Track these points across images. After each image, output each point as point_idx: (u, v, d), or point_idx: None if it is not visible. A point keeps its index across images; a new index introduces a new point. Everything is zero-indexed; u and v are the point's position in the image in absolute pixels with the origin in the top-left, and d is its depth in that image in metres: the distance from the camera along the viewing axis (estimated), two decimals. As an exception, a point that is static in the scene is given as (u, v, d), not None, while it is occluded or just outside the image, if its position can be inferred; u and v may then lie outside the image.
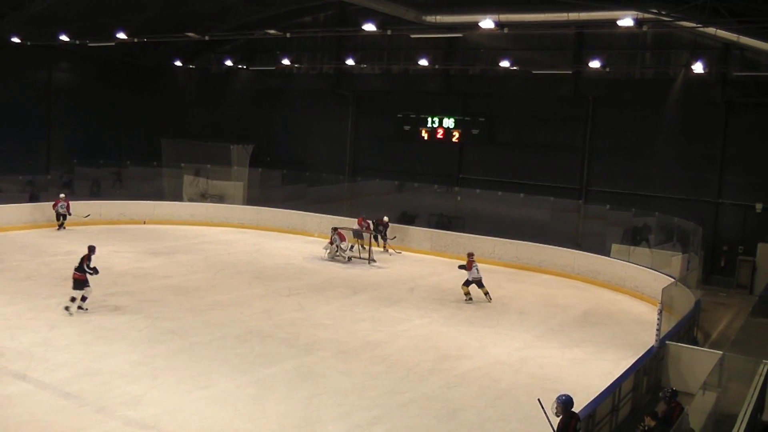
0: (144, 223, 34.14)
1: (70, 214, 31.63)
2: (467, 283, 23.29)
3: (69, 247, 27.38)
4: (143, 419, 13.05)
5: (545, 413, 11.02)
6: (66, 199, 31.72)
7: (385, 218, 31.33)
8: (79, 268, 19.53)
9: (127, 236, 30.87)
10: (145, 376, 15.12)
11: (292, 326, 19.51)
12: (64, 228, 31.54)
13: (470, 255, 23.78)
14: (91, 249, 20.06)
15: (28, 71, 37.47)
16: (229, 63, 41.83)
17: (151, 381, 14.90)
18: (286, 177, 38.47)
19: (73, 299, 19.23)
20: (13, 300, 20.06)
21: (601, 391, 13.96)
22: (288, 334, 18.81)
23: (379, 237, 31.13)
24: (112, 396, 13.99)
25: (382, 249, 31.00)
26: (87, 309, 19.39)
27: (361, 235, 30.19)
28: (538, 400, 11.42)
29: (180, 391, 14.49)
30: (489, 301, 23.10)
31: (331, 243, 28.87)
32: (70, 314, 18.99)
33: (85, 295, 19.37)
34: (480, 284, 23.21)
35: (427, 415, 14.12)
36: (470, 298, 23.11)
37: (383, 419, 13.81)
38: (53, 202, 31.75)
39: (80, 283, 19.35)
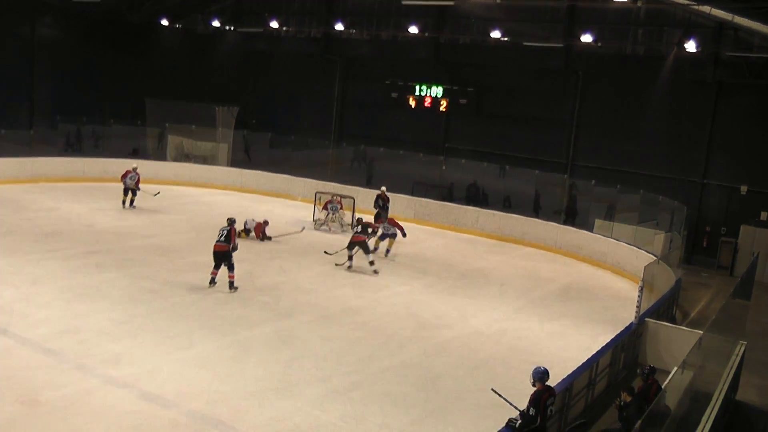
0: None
1: (139, 189, 28.30)
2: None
3: (51, 203, 27.27)
4: (123, 378, 13.06)
5: (504, 399, 11.07)
6: (137, 171, 28.47)
7: (383, 188, 28.98)
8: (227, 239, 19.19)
9: (110, 194, 30.65)
10: (126, 335, 15.12)
11: (273, 290, 19.53)
12: (134, 206, 28.38)
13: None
14: (231, 221, 19.80)
15: (12, 26, 36.85)
16: (216, 24, 41.49)
17: (131, 340, 14.90)
18: (271, 140, 38.28)
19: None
20: (-6, 256, 19.97)
21: (578, 365, 14.05)
22: (269, 297, 18.83)
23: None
24: (92, 354, 13.99)
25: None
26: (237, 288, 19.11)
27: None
28: (492, 389, 11.46)
29: (160, 351, 14.50)
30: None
31: (325, 209, 28.63)
32: (213, 285, 19.04)
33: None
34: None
35: (405, 383, 14.19)
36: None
37: (361, 385, 13.87)
38: (122, 173, 28.36)
39: (222, 255, 19.03)
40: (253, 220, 25.55)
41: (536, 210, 31.18)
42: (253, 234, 25.24)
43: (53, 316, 15.87)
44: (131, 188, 28.20)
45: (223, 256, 18.96)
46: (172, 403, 12.29)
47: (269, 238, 25.15)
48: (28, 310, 16.01)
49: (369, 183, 33.83)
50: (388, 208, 28.47)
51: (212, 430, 11.48)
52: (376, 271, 21.80)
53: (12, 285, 17.68)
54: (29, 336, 14.57)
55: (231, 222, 19.69)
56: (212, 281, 18.97)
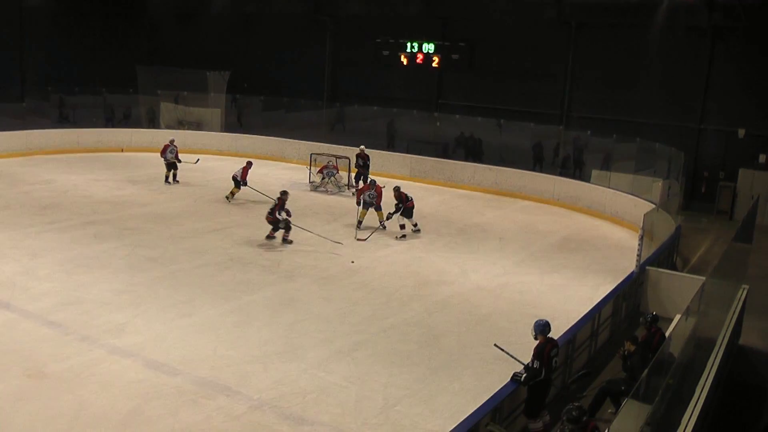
0: (122, 150, 33.82)
1: (180, 162, 27.70)
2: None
3: (48, 175, 27.18)
4: (127, 347, 13.10)
5: (508, 354, 11.13)
6: (175, 144, 27.93)
7: (362, 147, 28.66)
8: (271, 213, 20.41)
9: (106, 164, 30.62)
10: (128, 305, 15.13)
11: (272, 253, 19.53)
12: (178, 181, 27.76)
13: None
14: (284, 195, 20.61)
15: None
16: (204, -14, 41.07)
17: (133, 309, 14.92)
18: (264, 103, 38.09)
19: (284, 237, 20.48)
20: (-8, 231, 19.92)
21: (580, 316, 14.10)
22: (269, 261, 18.84)
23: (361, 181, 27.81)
24: (95, 324, 14.01)
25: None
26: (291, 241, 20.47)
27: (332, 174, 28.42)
28: (495, 344, 11.63)
29: (163, 319, 14.53)
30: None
31: (321, 173, 28.47)
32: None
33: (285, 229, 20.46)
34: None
35: (408, 341, 14.24)
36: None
37: (364, 345, 13.92)
38: (161, 149, 27.81)
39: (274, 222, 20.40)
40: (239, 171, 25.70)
41: (539, 163, 31.02)
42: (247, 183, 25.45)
43: (55, 288, 15.88)
44: (172, 162, 27.52)
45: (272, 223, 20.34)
46: (177, 371, 12.33)
47: (245, 183, 25.45)
48: (29, 284, 16.02)
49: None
50: (368, 166, 28.45)
51: (218, 395, 11.52)
52: (404, 236, 21.97)
53: (12, 259, 17.67)
54: (32, 309, 14.59)
55: (282, 193, 20.66)
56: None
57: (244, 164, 26.00)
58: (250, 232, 21.19)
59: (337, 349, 13.62)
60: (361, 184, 26.96)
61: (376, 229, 21.78)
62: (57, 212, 22.31)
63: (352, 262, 18.86)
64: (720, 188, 28.83)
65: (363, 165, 28.28)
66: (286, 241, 20.29)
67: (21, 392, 11.27)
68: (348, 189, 28.21)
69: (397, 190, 22.23)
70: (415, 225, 22.42)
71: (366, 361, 13.18)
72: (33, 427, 10.23)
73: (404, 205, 22.04)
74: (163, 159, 27.65)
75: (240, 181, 25.32)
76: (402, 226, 22.00)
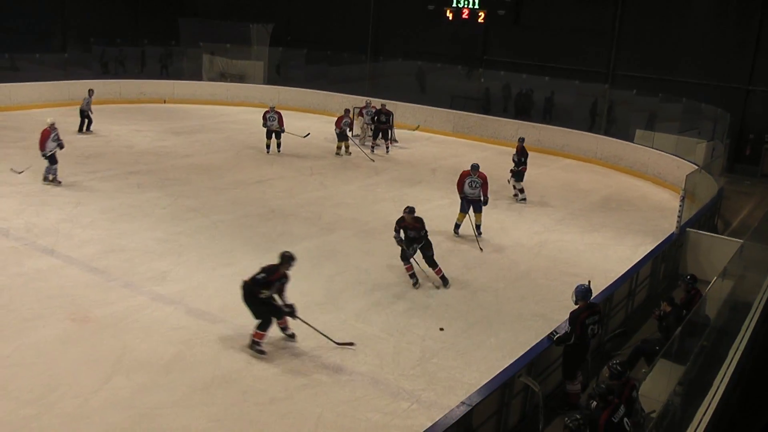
0: (164, 102, 34.03)
1: (284, 131, 25.37)
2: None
3: (92, 126, 27.40)
4: (169, 295, 13.33)
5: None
6: (276, 110, 25.68)
7: (383, 103, 28.22)
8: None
9: (148, 115, 30.84)
10: (170, 253, 15.37)
11: (314, 205, 19.65)
12: (280, 151, 25.47)
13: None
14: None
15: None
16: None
17: (175, 258, 15.15)
18: (307, 57, 38.02)
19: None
20: (37, 177, 20.17)
21: (618, 276, 14.08)
22: (310, 213, 18.97)
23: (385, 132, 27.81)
24: (138, 272, 14.26)
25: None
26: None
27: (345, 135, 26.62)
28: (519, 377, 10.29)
29: (204, 269, 14.75)
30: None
31: (361, 116, 28.25)
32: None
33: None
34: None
35: (447, 295, 14.34)
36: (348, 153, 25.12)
37: (403, 297, 14.04)
38: (263, 115, 25.66)
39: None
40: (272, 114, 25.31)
41: (593, 121, 30.82)
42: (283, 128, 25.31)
43: (98, 236, 16.14)
44: (274, 130, 25.30)
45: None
46: (218, 318, 12.53)
47: (282, 130, 25.19)
48: (73, 231, 16.30)
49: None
50: (391, 123, 28.10)
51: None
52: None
53: (56, 207, 17.96)
54: (76, 256, 14.86)
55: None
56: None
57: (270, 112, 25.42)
58: (291, 185, 21.33)
59: (376, 301, 13.75)
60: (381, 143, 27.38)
61: (477, 237, 18.00)
62: (100, 162, 22.59)
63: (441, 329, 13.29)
64: (765, 150, 28.40)
65: (386, 121, 27.78)
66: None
67: (66, 336, 11.53)
68: (393, 143, 28.03)
69: (521, 141, 21.97)
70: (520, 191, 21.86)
71: (404, 314, 13.31)
72: (78, 370, 10.47)
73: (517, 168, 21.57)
74: (264, 127, 25.39)
75: (279, 129, 25.16)
76: (521, 190, 21.82)
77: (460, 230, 18.13)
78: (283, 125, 25.31)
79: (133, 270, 14.36)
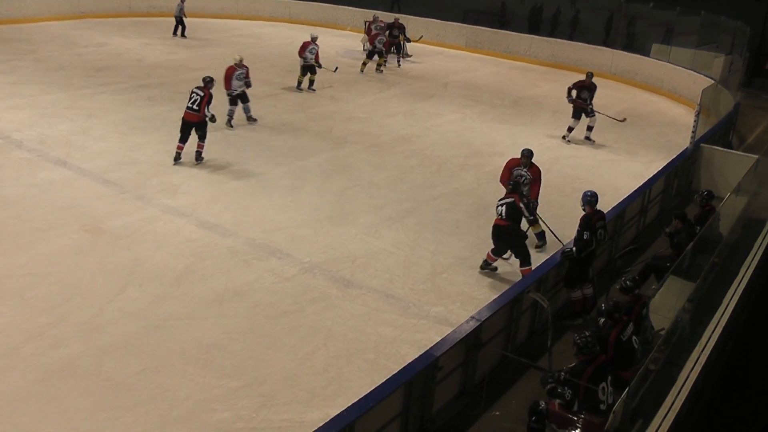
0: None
1: (320, 66, 22.29)
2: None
3: (100, 38, 27.22)
4: (181, 207, 13.36)
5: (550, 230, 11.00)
6: (317, 42, 22.38)
7: (397, 17, 28.05)
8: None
9: (157, 29, 30.52)
10: (182, 166, 15.35)
11: (325, 119, 19.57)
12: (314, 89, 22.70)
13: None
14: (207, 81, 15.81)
15: None
16: None
17: (187, 170, 15.15)
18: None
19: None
20: (48, 89, 20.13)
21: (631, 191, 14.03)
22: (321, 127, 18.90)
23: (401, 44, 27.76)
24: (150, 184, 14.28)
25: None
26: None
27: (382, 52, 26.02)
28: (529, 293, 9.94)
29: (215, 181, 14.75)
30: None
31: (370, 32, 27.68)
32: None
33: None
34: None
35: (457, 210, 14.34)
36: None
37: (414, 212, 14.05)
38: (300, 47, 22.26)
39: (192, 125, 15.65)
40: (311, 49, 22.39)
41: (608, 35, 30.35)
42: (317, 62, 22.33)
43: (110, 148, 16.13)
44: (312, 65, 22.34)
45: (195, 126, 15.59)
46: (230, 232, 12.57)
47: (319, 65, 22.37)
48: (85, 143, 16.28)
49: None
50: (405, 36, 28.06)
51: (270, 257, 11.75)
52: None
53: (67, 118, 17.92)
54: (88, 167, 14.87)
55: (207, 82, 15.71)
56: (177, 157, 15.57)
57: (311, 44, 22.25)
58: (302, 99, 21.21)
59: (387, 216, 13.77)
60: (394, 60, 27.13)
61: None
62: (110, 75, 22.45)
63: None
64: (784, 64, 28.05)
65: (398, 35, 27.49)
66: (199, 157, 15.74)
67: (80, 246, 11.60)
68: (405, 57, 27.80)
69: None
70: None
71: (415, 228, 13.33)
72: (92, 281, 10.55)
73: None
74: (300, 59, 22.45)
75: (316, 64, 22.32)
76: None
77: (473, 147, 18.01)
78: (319, 60, 22.36)
79: (145, 183, 14.37)
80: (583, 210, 10.77)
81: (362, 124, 19.42)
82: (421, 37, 28.75)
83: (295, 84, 22.59)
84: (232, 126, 18.16)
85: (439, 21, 32.06)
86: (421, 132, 19.16)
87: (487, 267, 11.92)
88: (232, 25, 32.56)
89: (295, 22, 34.30)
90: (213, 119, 15.54)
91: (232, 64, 18.35)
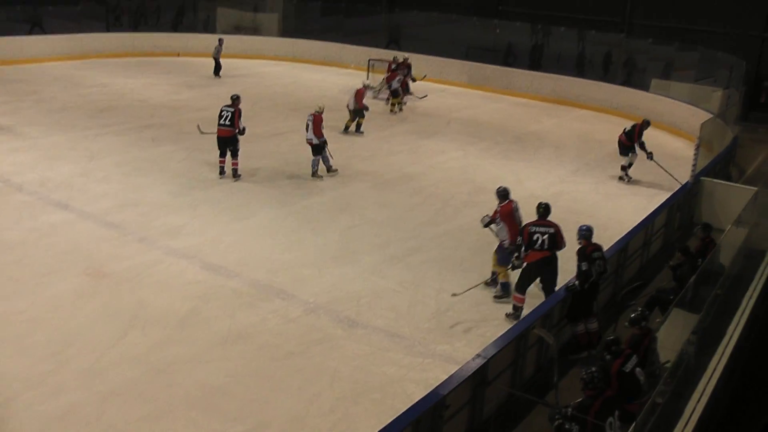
0: (178, 55, 33.84)
1: (411, 94, 24.96)
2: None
3: (104, 79, 27.37)
4: (185, 249, 13.36)
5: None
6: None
7: (406, 56, 28.03)
8: None
9: (162, 68, 30.72)
10: (185, 207, 15.39)
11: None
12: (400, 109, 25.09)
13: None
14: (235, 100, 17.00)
15: None
16: None
17: (190, 212, 15.17)
18: (322, 9, 37.70)
19: None
20: (50, 131, 20.23)
21: (634, 225, 14.04)
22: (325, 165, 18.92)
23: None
24: (153, 226, 14.30)
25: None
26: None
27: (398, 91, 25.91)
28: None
29: (219, 222, 14.77)
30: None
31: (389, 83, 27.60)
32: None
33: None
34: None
35: (462, 247, 14.32)
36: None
37: (419, 250, 14.03)
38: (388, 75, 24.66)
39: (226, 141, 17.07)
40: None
41: (606, 72, 30.53)
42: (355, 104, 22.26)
43: (112, 190, 16.16)
44: (360, 109, 22.20)
45: (227, 141, 17.03)
46: (234, 273, 12.56)
47: (367, 109, 22.40)
48: (87, 185, 16.32)
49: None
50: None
51: (274, 298, 11.74)
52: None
53: (70, 160, 17.98)
54: (90, 210, 14.90)
55: (234, 99, 17.08)
56: (222, 171, 17.27)
57: (360, 88, 22.35)
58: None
59: (392, 255, 13.75)
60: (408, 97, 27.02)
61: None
62: (114, 115, 22.55)
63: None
64: (780, 97, 28.17)
65: (406, 75, 27.47)
66: (236, 174, 17.27)
67: (81, 290, 11.59)
68: (411, 94, 27.76)
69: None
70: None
71: (420, 267, 13.31)
72: (93, 326, 10.53)
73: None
74: (353, 104, 22.22)
75: (356, 102, 22.16)
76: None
77: (477, 184, 18.04)
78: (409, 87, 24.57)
79: (148, 224, 14.39)
80: (579, 243, 10.86)
81: (366, 163, 19.46)
82: (425, 75, 28.88)
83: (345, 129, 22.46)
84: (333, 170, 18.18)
85: (441, 58, 32.13)
86: (424, 169, 19.20)
87: (516, 312, 11.58)
88: (235, 65, 32.65)
89: (299, 60, 34.46)
90: (243, 131, 16.95)
91: (319, 113, 18.17)
